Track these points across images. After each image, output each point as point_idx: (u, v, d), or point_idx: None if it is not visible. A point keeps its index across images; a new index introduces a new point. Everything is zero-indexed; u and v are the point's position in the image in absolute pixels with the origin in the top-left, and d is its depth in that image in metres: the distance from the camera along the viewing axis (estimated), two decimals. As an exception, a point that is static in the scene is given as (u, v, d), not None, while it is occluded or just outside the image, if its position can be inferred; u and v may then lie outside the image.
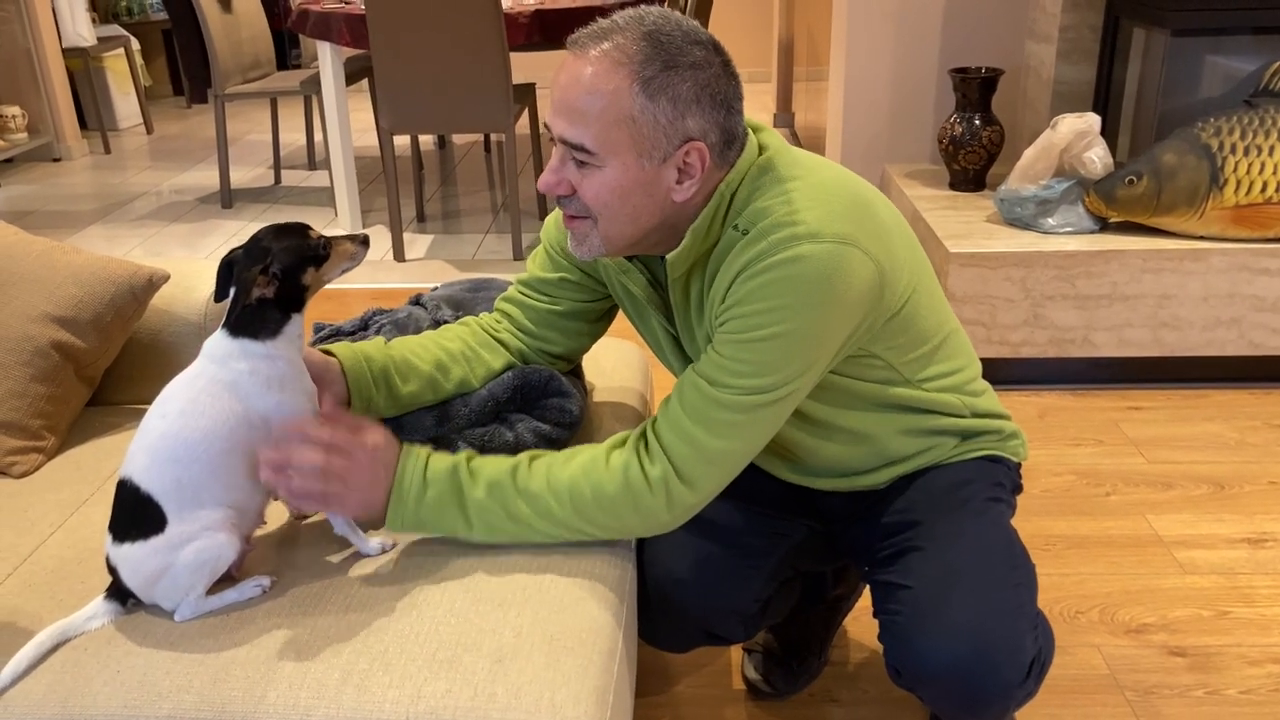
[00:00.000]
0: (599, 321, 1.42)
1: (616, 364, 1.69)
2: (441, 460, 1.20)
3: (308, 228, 1.17)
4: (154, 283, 1.54)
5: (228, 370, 1.13)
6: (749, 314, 1.12)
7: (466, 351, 1.37)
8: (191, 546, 1.10)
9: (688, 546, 1.34)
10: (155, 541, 1.10)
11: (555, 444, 1.38)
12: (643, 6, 1.13)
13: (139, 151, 5.53)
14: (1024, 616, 1.21)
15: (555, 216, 1.35)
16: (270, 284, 1.12)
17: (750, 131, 1.18)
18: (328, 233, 1.18)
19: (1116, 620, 1.80)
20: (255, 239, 1.15)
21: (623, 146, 1.09)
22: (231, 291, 1.14)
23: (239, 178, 4.88)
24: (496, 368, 1.38)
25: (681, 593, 1.32)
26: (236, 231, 4.11)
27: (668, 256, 1.17)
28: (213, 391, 1.13)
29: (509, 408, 1.37)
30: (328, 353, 1.28)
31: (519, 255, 3.69)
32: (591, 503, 1.17)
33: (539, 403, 1.38)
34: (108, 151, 5.51)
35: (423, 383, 1.32)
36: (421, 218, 4.23)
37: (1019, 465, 1.40)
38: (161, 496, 1.11)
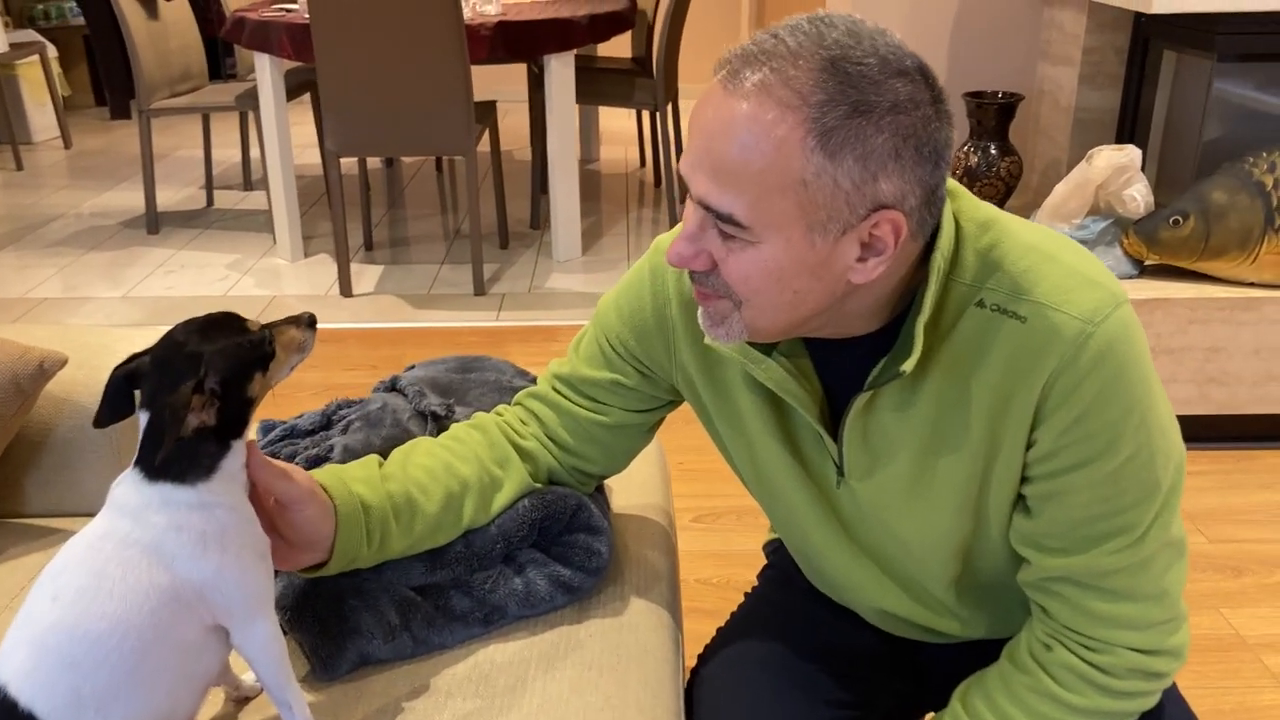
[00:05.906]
0: (647, 435, 1.10)
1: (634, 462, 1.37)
2: None
3: (240, 318, 0.85)
4: (45, 370, 1.19)
5: (144, 528, 0.80)
6: (1099, 430, 0.83)
7: (484, 478, 1.03)
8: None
9: (754, 711, 1.04)
10: (29, 787, 0.76)
11: (575, 593, 1.06)
12: (822, 15, 0.77)
13: (56, 168, 5.07)
14: None
15: (614, 299, 1.03)
16: (210, 405, 0.80)
17: None
18: (264, 297, 0.86)
19: (1217, 752, 1.53)
20: (172, 340, 0.82)
21: (788, 219, 0.76)
22: (142, 420, 0.81)
23: (167, 198, 4.46)
24: (514, 495, 1.05)
25: None
26: (163, 261, 3.71)
27: (903, 368, 0.83)
28: (125, 560, 0.79)
29: (522, 544, 1.05)
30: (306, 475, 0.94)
31: (480, 290, 3.35)
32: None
33: (560, 539, 1.06)
34: (20, 168, 5.04)
35: (424, 530, 1.00)
36: (369, 245, 3.86)
37: None
38: (49, 715, 0.77)
